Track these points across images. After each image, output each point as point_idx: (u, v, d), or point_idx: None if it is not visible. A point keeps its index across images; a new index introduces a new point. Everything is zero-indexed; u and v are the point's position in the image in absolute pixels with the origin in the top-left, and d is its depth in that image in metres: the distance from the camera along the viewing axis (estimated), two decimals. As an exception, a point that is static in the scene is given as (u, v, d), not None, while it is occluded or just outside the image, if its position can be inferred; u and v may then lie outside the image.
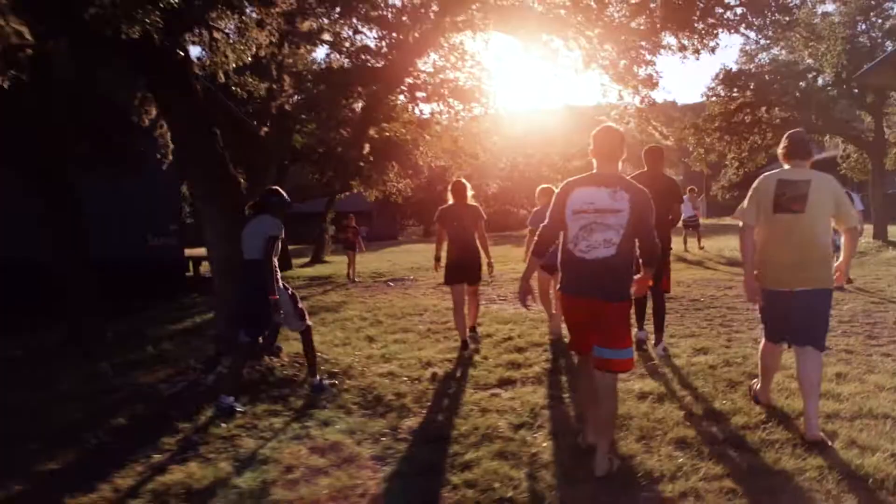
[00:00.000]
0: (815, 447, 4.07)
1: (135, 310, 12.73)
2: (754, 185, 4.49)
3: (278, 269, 5.74)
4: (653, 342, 6.94)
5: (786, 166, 4.45)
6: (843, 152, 22.72)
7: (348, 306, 11.97)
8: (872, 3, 20.02)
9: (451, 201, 7.71)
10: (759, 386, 4.89)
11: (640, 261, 4.00)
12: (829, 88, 21.33)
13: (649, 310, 7.03)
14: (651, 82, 11.96)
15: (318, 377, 6.00)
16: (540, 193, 8.29)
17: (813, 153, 4.52)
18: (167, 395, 6.21)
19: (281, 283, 5.77)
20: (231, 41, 9.07)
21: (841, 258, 4.48)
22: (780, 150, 4.51)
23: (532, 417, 5.02)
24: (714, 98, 21.25)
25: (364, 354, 7.58)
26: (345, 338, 8.61)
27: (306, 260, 27.53)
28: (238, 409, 5.37)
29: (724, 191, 27.77)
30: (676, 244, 14.08)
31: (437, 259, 7.80)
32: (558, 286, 4.13)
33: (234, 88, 11.45)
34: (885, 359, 6.25)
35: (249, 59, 9.39)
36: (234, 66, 9.03)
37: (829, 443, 4.10)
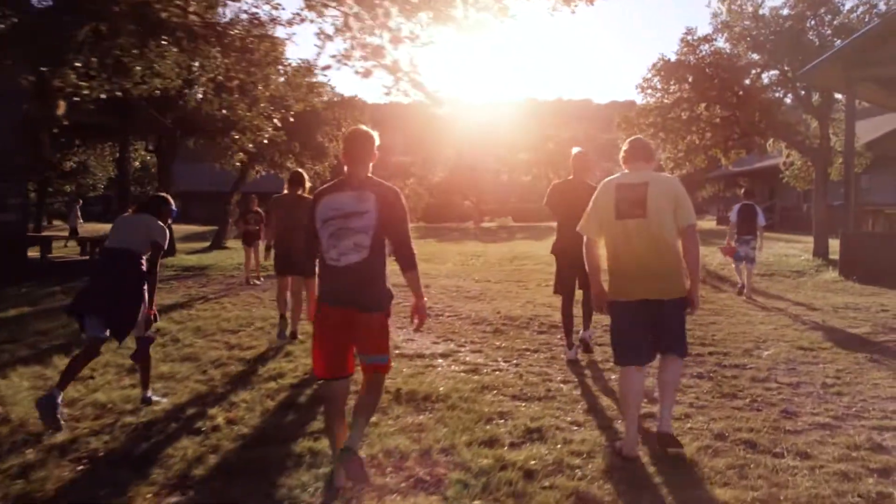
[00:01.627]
0: (666, 442, 4.18)
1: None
2: (595, 195, 4.42)
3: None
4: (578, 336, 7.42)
5: (625, 170, 4.39)
6: (787, 159, 20.92)
7: (170, 315, 9.71)
8: (822, -3, 18.17)
9: (286, 191, 8.05)
10: (621, 442, 4.29)
11: (400, 267, 3.86)
12: (774, 88, 19.50)
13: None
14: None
15: (148, 391, 5.51)
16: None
17: (655, 157, 4.57)
18: None
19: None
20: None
21: (688, 280, 4.21)
22: (621, 155, 4.44)
23: None
24: (649, 90, 19.25)
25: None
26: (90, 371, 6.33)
27: (206, 245, 24.97)
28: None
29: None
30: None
31: (268, 249, 8.44)
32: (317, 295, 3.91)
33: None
34: (795, 466, 4.16)
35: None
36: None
37: (681, 448, 4.17)
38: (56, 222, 44.64)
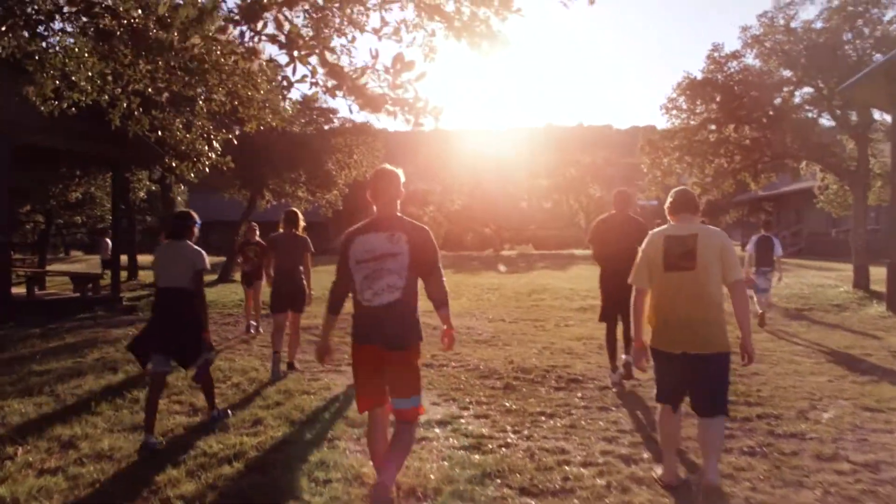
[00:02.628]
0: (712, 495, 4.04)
1: None
2: (643, 245, 4.47)
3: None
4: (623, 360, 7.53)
5: (672, 222, 4.42)
6: (821, 182, 19.60)
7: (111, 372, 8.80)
8: (860, 9, 16.92)
9: (281, 230, 8.30)
10: (661, 470, 4.51)
11: (433, 305, 4.01)
12: (807, 108, 18.28)
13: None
14: None
15: (215, 410, 6.13)
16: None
17: (699, 207, 4.47)
18: None
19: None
20: None
21: (741, 333, 4.16)
22: (666, 206, 4.48)
23: None
24: (674, 111, 18.10)
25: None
26: None
27: (213, 278, 23.99)
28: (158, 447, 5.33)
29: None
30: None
31: (269, 279, 8.60)
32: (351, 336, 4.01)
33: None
34: None
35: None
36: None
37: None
38: (76, 253, 44.21)
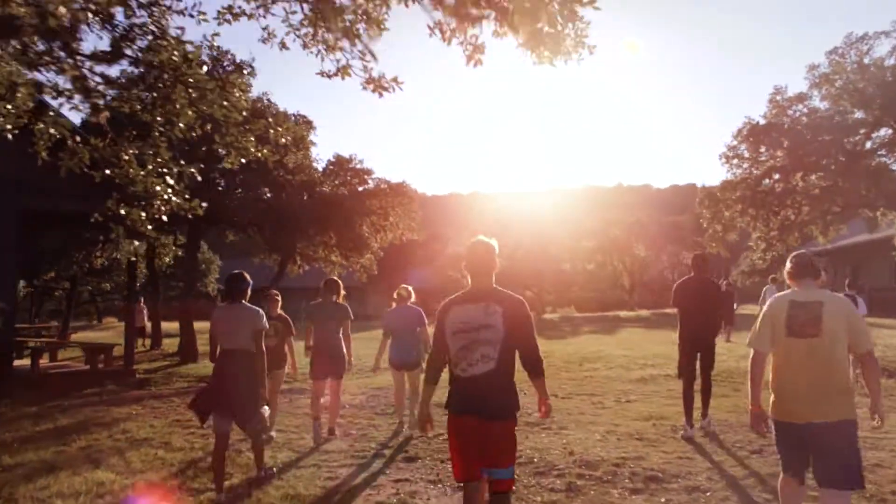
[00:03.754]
0: None
1: None
2: (764, 308, 4.40)
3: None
4: (699, 425, 7.98)
5: (794, 287, 4.35)
6: (902, 232, 17.79)
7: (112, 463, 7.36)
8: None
9: (320, 298, 8.39)
10: None
11: (529, 375, 4.07)
12: (881, 152, 16.59)
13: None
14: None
15: (263, 468, 6.46)
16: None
17: (821, 273, 4.37)
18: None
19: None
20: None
21: (870, 398, 4.12)
22: (786, 271, 4.45)
23: None
24: (735, 160, 16.57)
25: None
26: None
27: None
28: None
29: (744, 276, 22.84)
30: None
31: (308, 349, 8.61)
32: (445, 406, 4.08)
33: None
34: None
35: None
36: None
37: None
38: (110, 320, 43.51)
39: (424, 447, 7.73)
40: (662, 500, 5.63)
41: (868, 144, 16.21)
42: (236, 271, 6.25)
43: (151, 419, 9.86)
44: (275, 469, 6.66)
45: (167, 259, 24.41)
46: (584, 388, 11.83)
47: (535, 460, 6.91)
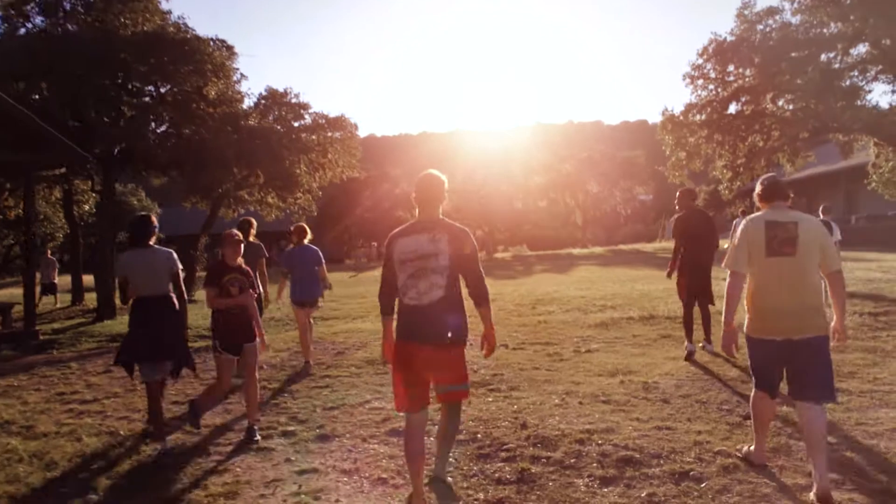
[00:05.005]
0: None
1: None
2: (741, 229, 4.39)
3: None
4: (701, 345, 8.33)
5: (765, 210, 4.39)
6: (876, 159, 16.60)
7: None
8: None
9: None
10: (752, 447, 4.66)
11: (474, 302, 4.09)
12: (854, 73, 15.25)
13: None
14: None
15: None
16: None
17: (790, 195, 4.45)
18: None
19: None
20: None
21: (835, 316, 4.23)
22: (756, 194, 4.51)
23: None
24: (701, 80, 15.09)
25: None
26: None
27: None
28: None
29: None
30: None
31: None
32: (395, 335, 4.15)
33: None
34: None
35: None
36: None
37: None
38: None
39: (345, 421, 6.26)
40: (643, 494, 4.25)
41: (844, 61, 14.84)
42: (142, 213, 6.09)
43: (30, 392, 8.19)
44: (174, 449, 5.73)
45: (86, 207, 22.32)
46: (537, 335, 10.45)
47: (479, 436, 5.47)
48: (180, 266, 5.85)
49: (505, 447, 5.20)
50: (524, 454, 5.02)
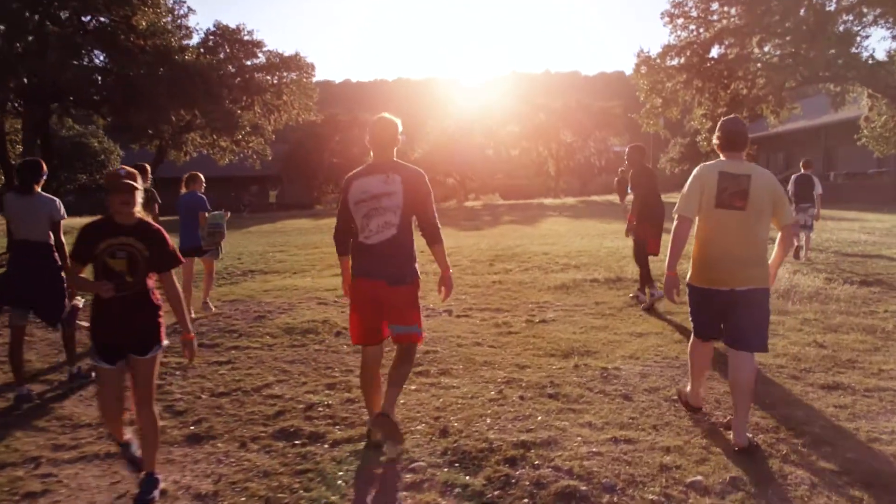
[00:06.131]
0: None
1: None
2: (694, 174, 4.32)
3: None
4: (632, 295, 8.72)
5: (722, 157, 4.31)
6: (869, 112, 15.40)
7: None
8: None
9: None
10: (688, 388, 4.70)
11: (426, 241, 4.17)
12: (849, 17, 13.91)
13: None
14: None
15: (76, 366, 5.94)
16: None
17: (749, 143, 4.42)
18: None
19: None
20: None
21: (773, 257, 4.32)
22: (714, 140, 4.45)
23: None
24: (681, 20, 13.69)
25: None
26: None
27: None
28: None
29: (672, 163, 20.47)
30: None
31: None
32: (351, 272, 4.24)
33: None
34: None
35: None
36: None
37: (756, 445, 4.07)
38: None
39: (230, 413, 5.03)
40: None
41: (840, 3, 13.48)
42: (30, 159, 6.00)
43: None
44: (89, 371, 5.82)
45: (19, 147, 20.64)
46: (489, 299, 9.22)
47: (384, 446, 4.25)
48: (63, 215, 5.70)
49: (412, 466, 3.98)
50: (434, 480, 3.79)
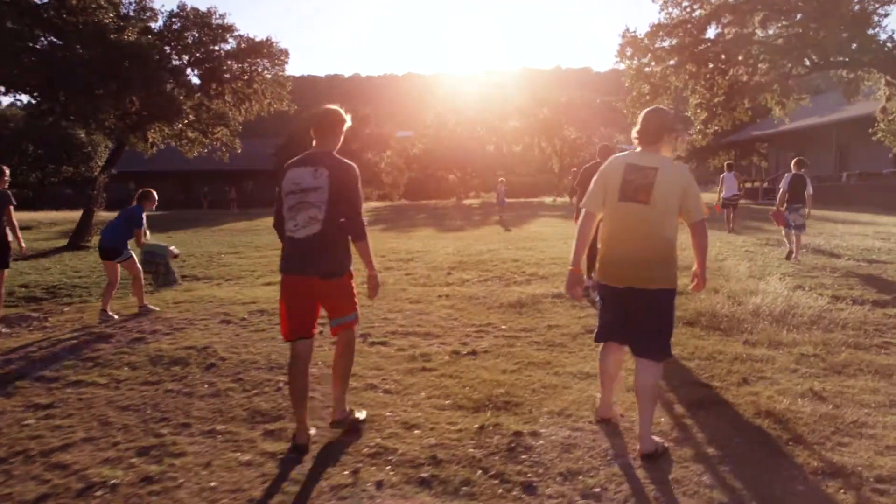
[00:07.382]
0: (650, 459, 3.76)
1: None
2: (602, 167, 4.15)
3: None
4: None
5: (637, 149, 4.07)
6: (887, 102, 13.65)
7: None
8: None
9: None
10: (597, 407, 4.47)
11: (351, 238, 4.09)
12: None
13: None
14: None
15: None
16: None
17: (664, 138, 4.04)
18: None
19: None
20: None
21: (695, 263, 4.06)
22: (634, 133, 4.16)
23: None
24: (673, -4, 12.03)
25: None
26: None
27: (62, 244, 18.01)
28: None
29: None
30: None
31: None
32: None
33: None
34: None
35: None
36: None
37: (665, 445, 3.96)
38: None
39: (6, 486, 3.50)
40: None
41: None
42: None
43: None
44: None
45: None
46: (423, 319, 7.65)
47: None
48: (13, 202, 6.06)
49: None
50: None
